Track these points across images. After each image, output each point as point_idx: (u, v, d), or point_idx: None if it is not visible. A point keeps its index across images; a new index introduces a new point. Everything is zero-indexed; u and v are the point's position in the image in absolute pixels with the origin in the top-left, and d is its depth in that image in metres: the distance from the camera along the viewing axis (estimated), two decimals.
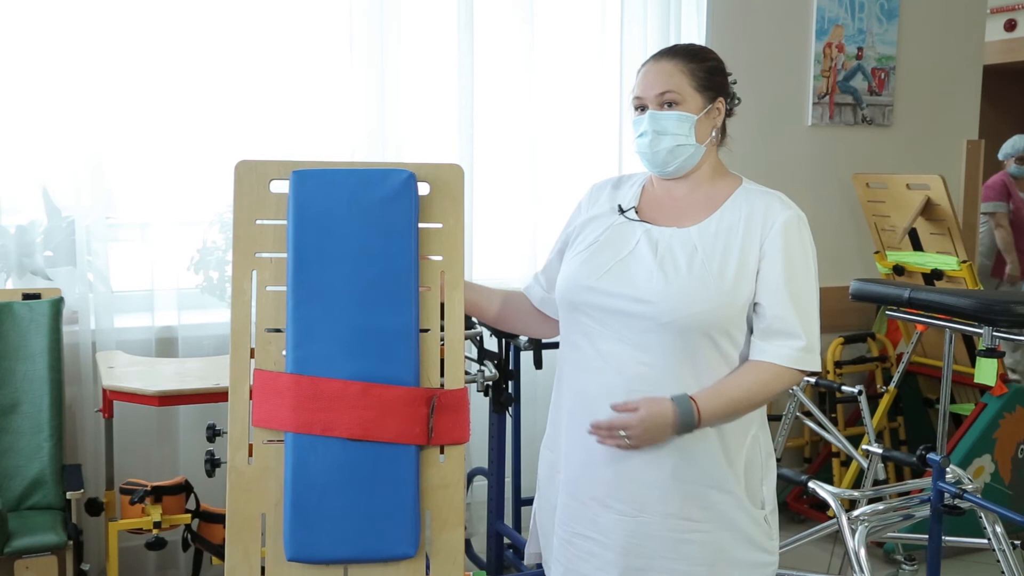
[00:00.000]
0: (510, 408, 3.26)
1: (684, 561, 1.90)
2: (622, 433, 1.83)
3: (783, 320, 1.88)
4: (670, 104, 1.96)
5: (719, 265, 1.88)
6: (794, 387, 3.56)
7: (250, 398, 1.95)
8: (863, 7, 4.40)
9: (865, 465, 3.44)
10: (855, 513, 2.56)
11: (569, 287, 1.98)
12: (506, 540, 3.38)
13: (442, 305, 2.00)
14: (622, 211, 2.02)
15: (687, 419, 1.83)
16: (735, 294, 1.87)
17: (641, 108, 1.98)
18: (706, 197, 2.00)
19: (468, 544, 3.52)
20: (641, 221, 1.99)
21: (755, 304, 1.91)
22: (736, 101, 2.10)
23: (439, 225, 2.01)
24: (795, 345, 1.87)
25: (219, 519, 3.01)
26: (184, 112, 3.39)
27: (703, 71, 2.00)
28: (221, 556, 2.73)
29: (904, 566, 3.55)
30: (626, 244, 1.96)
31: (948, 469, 2.63)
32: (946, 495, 2.59)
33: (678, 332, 1.86)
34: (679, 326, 1.85)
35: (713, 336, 1.88)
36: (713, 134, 2.02)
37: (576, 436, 1.97)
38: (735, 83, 2.10)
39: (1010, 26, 7.11)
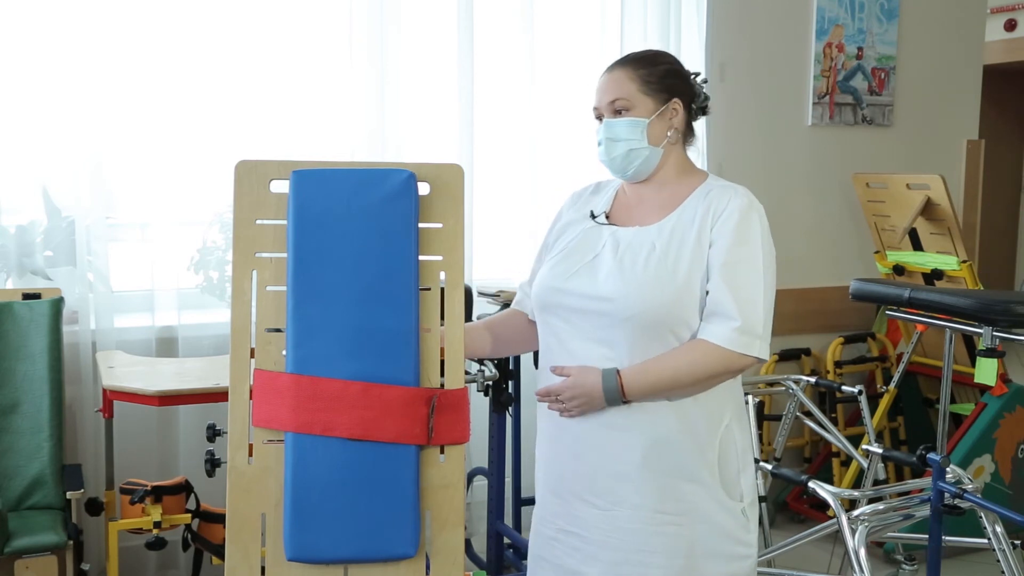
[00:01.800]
0: (510, 408, 3.26)
1: (660, 554, 1.93)
2: (559, 398, 1.96)
3: (718, 302, 1.90)
4: (620, 111, 2.01)
5: (674, 259, 1.92)
6: (794, 387, 3.56)
7: (250, 398, 1.95)
8: (863, 7, 4.40)
9: (865, 465, 3.44)
10: (855, 513, 2.56)
11: (541, 290, 2.05)
12: (506, 540, 3.38)
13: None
14: (594, 217, 2.08)
15: (611, 392, 1.89)
16: (688, 287, 1.91)
17: (599, 118, 2.06)
18: (670, 195, 2.03)
19: (468, 544, 3.52)
20: (610, 224, 2.05)
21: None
22: (703, 99, 2.10)
23: (439, 225, 2.01)
24: (729, 325, 1.88)
25: (219, 519, 3.01)
26: (184, 112, 3.39)
27: (655, 75, 2.02)
28: (221, 556, 2.73)
29: (904, 566, 3.54)
30: (593, 248, 2.02)
31: (948, 469, 2.63)
32: (946, 495, 2.59)
33: (639, 327, 1.91)
34: (639, 321, 1.90)
35: (675, 329, 1.92)
36: (669, 134, 2.03)
37: (554, 434, 2.04)
38: (705, 82, 2.11)
39: (1010, 26, 7.10)
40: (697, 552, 1.93)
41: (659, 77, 2.02)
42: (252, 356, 1.96)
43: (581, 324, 1.96)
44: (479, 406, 3.15)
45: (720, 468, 1.96)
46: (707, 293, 1.92)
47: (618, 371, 1.90)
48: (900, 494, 2.76)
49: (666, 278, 1.91)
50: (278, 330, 1.96)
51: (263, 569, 1.94)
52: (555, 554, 2.03)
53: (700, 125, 4.15)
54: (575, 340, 1.97)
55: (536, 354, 3.32)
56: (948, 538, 2.72)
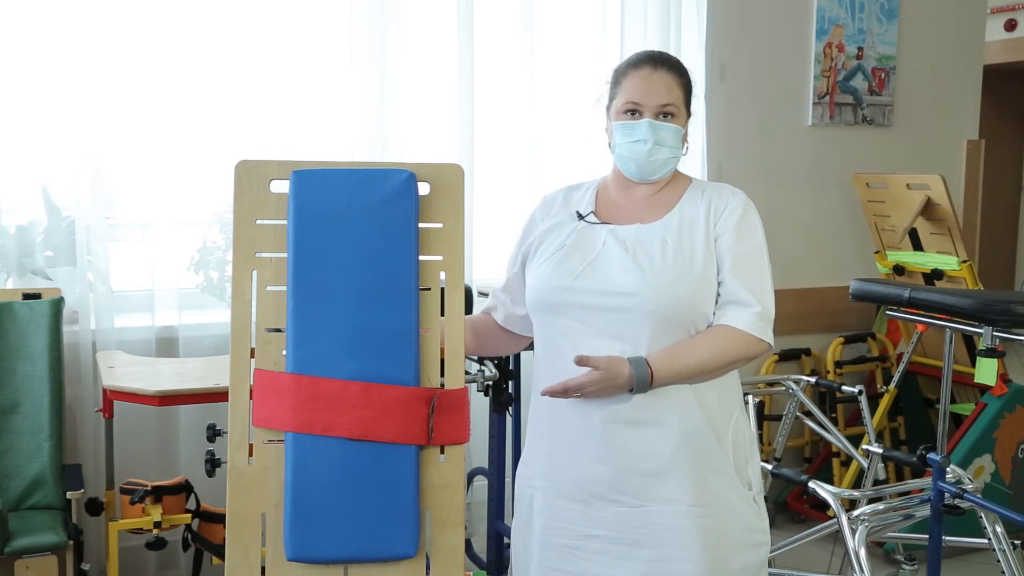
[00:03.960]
0: (510, 408, 3.26)
1: (695, 548, 1.92)
2: (584, 392, 1.90)
3: (733, 291, 1.95)
4: (666, 116, 2.01)
5: (689, 253, 1.95)
6: (794, 387, 3.57)
7: (250, 398, 1.95)
8: (863, 7, 4.40)
9: (865, 465, 3.44)
10: (855, 513, 2.56)
11: (544, 291, 2.01)
12: (506, 540, 3.38)
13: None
14: (581, 217, 2.07)
15: (642, 380, 1.89)
16: (705, 278, 1.95)
17: (635, 113, 2.01)
18: (664, 196, 2.06)
19: (468, 544, 3.52)
20: (603, 223, 2.04)
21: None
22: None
23: (439, 225, 2.01)
24: (750, 311, 1.94)
25: (219, 519, 3.01)
26: (184, 112, 3.39)
27: (688, 87, 2.07)
28: (221, 556, 2.73)
29: (904, 566, 3.55)
30: (593, 246, 2.01)
31: (948, 469, 2.63)
32: (946, 495, 2.59)
33: (660, 321, 1.91)
34: (661, 315, 1.91)
35: (695, 321, 1.94)
36: (685, 146, 2.09)
37: (570, 438, 1.99)
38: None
39: (1010, 26, 7.11)
40: (724, 543, 1.94)
41: (690, 89, 2.07)
42: (252, 356, 1.97)
43: (595, 321, 1.95)
44: (479, 406, 3.15)
45: (735, 458, 1.99)
46: (719, 284, 1.96)
47: (648, 363, 1.89)
48: (900, 494, 2.76)
49: (685, 270, 1.93)
50: (278, 330, 1.96)
51: (263, 569, 1.94)
52: (575, 562, 1.99)
53: (699, 126, 4.18)
54: (589, 338, 1.95)
55: None
56: (948, 538, 2.72)
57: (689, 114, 2.07)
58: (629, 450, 1.93)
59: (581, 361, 1.89)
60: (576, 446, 1.98)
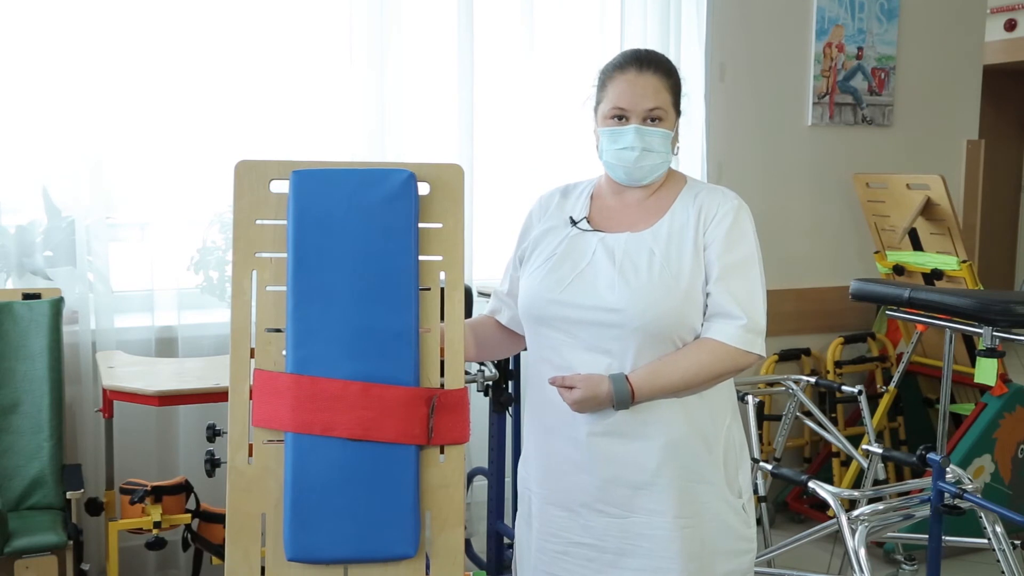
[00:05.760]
0: (510, 408, 3.26)
1: (679, 558, 1.93)
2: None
3: (721, 303, 1.91)
4: (654, 120, 1.97)
5: (676, 265, 1.92)
6: (794, 387, 3.57)
7: (250, 398, 1.95)
8: (863, 7, 4.40)
9: (865, 465, 3.45)
10: (855, 513, 2.56)
11: (533, 302, 2.01)
12: (506, 540, 3.38)
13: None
14: (574, 223, 2.04)
15: (622, 399, 1.88)
16: (692, 291, 1.91)
17: (621, 118, 1.98)
18: (657, 200, 2.02)
19: (468, 544, 3.52)
20: (595, 231, 2.01)
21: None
22: None
23: (439, 225, 2.01)
24: (735, 324, 1.90)
25: (219, 519, 3.01)
26: (184, 112, 3.39)
27: (677, 88, 2.02)
28: (221, 556, 2.73)
29: (904, 566, 3.55)
30: (583, 255, 1.99)
31: (948, 469, 2.63)
32: (946, 495, 2.59)
33: (647, 336, 1.90)
34: (647, 330, 1.89)
35: (681, 334, 1.92)
36: (677, 146, 2.05)
37: (557, 447, 2.00)
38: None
39: (1010, 26, 7.11)
40: (708, 551, 1.95)
41: (678, 90, 2.03)
42: (252, 356, 1.97)
43: (581, 335, 1.94)
44: (479, 406, 3.15)
45: (725, 467, 1.98)
46: (707, 295, 1.93)
47: (627, 376, 1.89)
48: (900, 494, 2.77)
49: (672, 285, 1.90)
50: (278, 330, 1.96)
51: (263, 569, 1.94)
52: (566, 568, 2.01)
53: (699, 126, 4.17)
54: (574, 351, 1.95)
55: None
56: (948, 538, 2.72)
57: (678, 114, 2.03)
58: (614, 462, 1.94)
59: (555, 382, 1.90)
60: (563, 456, 1.99)
